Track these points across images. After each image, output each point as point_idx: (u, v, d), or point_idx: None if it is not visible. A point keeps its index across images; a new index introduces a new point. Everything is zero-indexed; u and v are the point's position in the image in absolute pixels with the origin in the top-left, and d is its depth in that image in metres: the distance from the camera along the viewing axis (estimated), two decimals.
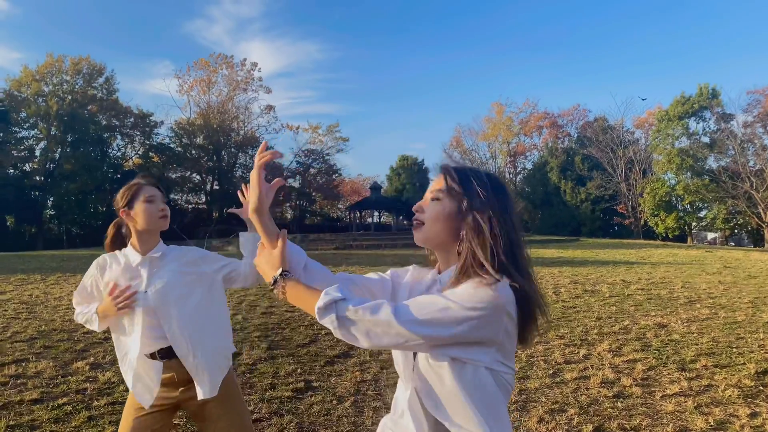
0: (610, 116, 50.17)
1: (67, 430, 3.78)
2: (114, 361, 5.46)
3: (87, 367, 5.24)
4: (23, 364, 5.43)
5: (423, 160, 55.98)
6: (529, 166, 56.88)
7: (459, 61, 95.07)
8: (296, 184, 53.97)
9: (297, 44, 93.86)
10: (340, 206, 61.77)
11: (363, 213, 50.99)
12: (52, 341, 6.36)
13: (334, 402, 4.41)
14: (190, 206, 49.88)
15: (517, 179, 56.74)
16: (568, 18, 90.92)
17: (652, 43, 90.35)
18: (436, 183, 1.38)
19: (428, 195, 1.38)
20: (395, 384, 4.51)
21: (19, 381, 4.87)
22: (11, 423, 3.87)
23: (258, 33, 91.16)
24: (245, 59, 50.18)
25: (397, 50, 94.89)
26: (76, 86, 42.35)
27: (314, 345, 6.26)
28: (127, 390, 4.52)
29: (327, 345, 6.23)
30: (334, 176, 55.19)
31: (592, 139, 45.69)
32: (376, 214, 54.84)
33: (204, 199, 50.43)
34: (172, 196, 45.94)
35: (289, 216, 55.08)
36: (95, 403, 4.29)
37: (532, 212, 50.57)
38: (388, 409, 4.19)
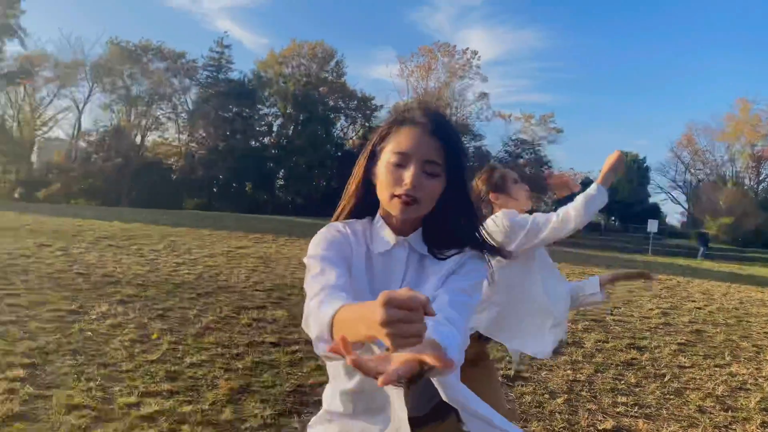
0: None
1: (300, 373, 4.17)
2: None
3: None
4: (263, 310, 6.14)
5: (644, 158, 51.79)
6: None
7: (695, 52, 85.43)
8: None
9: (516, 32, 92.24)
10: (546, 200, 59.78)
11: None
12: (284, 294, 7.10)
13: (546, 396, 4.26)
14: None
15: (760, 188, 49.48)
16: None
17: None
18: None
19: None
20: (612, 389, 4.20)
21: (259, 324, 5.51)
22: (255, 360, 4.39)
23: (479, 20, 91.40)
24: (467, 48, 50.68)
25: (621, 40, 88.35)
26: (311, 69, 46.62)
27: None
28: None
29: None
30: (543, 168, 53.49)
31: None
32: None
33: None
34: None
35: None
36: None
37: None
38: (605, 413, 3.94)
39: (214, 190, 45.73)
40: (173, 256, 9.50)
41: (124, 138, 42.79)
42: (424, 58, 50.75)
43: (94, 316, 5.20)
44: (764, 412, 4.25)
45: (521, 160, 52.88)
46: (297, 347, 4.80)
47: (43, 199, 35.86)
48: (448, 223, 1.27)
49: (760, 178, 50.72)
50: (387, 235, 1.26)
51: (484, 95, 51.47)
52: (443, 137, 1.22)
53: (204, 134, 45.74)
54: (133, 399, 3.39)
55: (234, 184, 45.44)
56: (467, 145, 51.85)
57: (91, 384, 3.57)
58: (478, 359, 2.35)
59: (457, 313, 1.11)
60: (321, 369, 4.30)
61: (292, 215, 35.41)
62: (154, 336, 4.74)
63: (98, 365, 3.94)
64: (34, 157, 43.89)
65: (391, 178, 1.21)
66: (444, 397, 1.20)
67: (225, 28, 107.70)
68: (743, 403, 4.41)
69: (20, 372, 3.63)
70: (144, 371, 3.92)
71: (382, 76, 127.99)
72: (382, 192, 1.23)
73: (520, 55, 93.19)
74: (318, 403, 3.86)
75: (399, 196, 1.19)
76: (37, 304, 5.46)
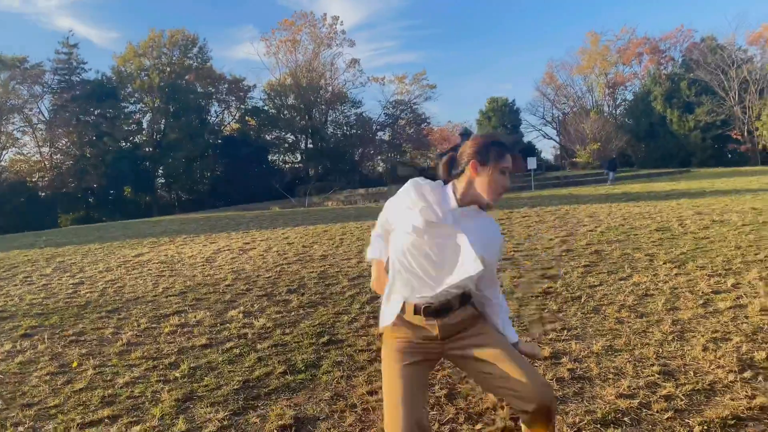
0: (720, 34, 46.09)
1: (242, 369, 4.09)
2: (264, 309, 5.82)
3: (240, 315, 5.62)
4: (182, 315, 5.90)
5: (513, 101, 54.22)
6: (629, 97, 53.68)
7: None
8: (386, 137, 54.14)
9: None
10: (430, 155, 61.43)
11: None
12: (200, 294, 6.86)
13: None
14: (287, 165, 51.42)
15: (618, 112, 53.80)
16: None
17: None
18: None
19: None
20: (539, 320, 4.41)
21: (184, 330, 5.31)
22: (192, 365, 4.25)
23: None
24: (325, 14, 50.23)
25: None
26: (174, 58, 44.25)
27: None
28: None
29: None
30: (423, 125, 54.79)
31: (700, 62, 42.28)
32: None
33: (299, 158, 51.77)
34: (270, 156, 47.50)
35: (380, 169, 55.54)
36: (259, 345, 4.60)
37: (636, 145, 47.90)
38: (539, 343, 4.19)
39: (90, 200, 42.73)
40: (67, 277, 8.84)
41: None
42: (288, 32, 49.71)
43: None
44: (672, 312, 4.74)
45: (401, 121, 53.77)
46: (231, 344, 4.70)
47: None
48: None
49: (617, 103, 55.13)
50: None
51: (355, 61, 51.43)
52: None
53: (68, 143, 42.36)
54: None
55: (111, 191, 42.69)
56: (348, 113, 51.87)
57: (20, 429, 3.32)
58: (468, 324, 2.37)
59: None
60: (261, 360, 4.25)
61: (179, 213, 33.93)
62: (74, 364, 4.44)
63: (21, 407, 3.65)
64: None
65: None
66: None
67: (67, 26, 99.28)
68: (652, 308, 4.89)
69: None
70: (75, 402, 3.68)
71: (248, 56, 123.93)
72: None
73: (383, 16, 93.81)
74: (270, 394, 3.78)
75: None
76: None
